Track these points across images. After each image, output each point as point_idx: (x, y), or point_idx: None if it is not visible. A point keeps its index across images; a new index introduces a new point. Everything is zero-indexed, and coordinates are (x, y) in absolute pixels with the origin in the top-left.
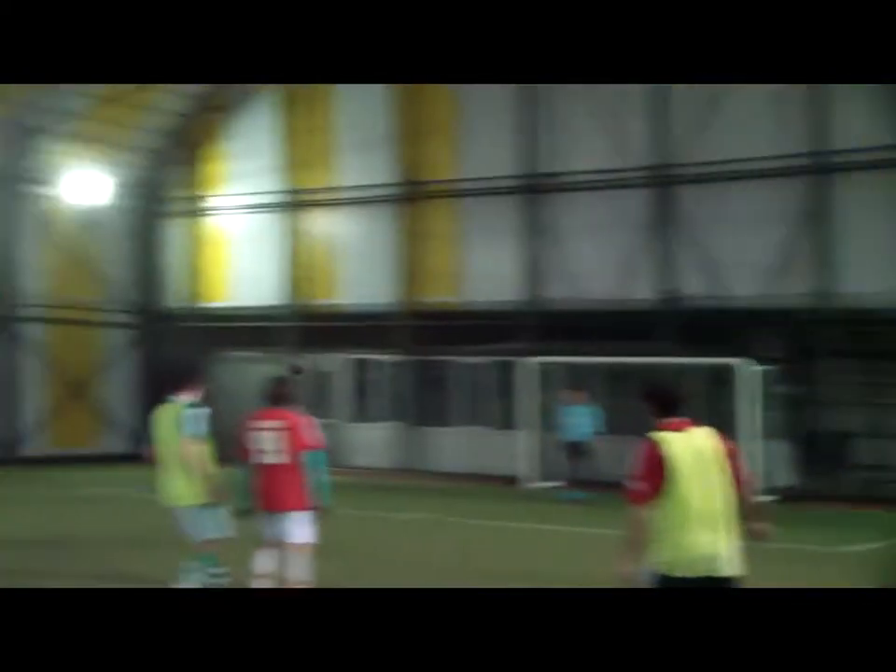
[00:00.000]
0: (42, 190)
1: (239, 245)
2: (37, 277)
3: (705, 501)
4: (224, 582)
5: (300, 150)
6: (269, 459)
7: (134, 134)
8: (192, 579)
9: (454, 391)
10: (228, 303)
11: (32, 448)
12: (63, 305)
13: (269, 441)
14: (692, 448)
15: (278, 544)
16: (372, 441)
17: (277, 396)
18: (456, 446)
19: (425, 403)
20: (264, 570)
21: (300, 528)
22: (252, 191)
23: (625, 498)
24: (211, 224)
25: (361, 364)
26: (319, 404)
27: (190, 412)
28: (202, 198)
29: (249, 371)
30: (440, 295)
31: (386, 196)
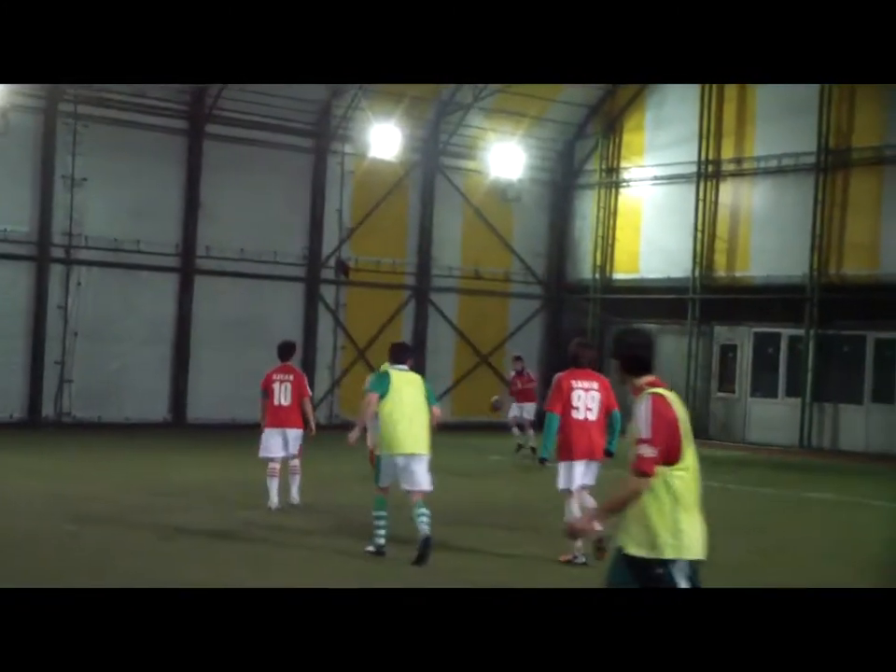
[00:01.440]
0: (462, 164)
1: (651, 217)
2: (453, 248)
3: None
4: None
5: (717, 119)
6: (584, 416)
7: (553, 108)
8: (425, 524)
9: (866, 367)
10: (637, 275)
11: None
12: (475, 276)
13: (585, 400)
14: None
15: (579, 490)
16: (772, 417)
17: (589, 359)
18: (866, 424)
19: (831, 379)
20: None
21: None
22: (667, 162)
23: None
24: (625, 195)
25: (766, 338)
26: (721, 377)
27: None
28: (616, 170)
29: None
30: (856, 267)
31: (805, 164)
